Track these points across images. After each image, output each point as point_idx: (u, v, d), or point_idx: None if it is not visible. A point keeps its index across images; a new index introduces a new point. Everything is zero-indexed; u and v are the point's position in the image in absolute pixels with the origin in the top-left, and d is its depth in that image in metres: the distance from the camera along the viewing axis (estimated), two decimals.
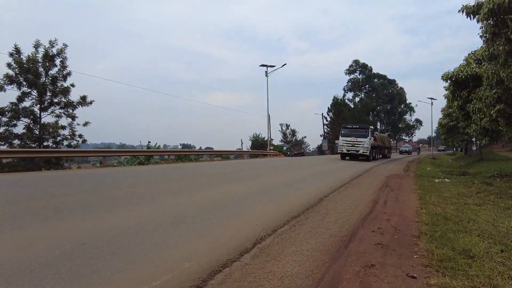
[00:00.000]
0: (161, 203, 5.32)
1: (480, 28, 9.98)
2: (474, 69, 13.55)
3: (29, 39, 17.46)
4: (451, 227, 4.13)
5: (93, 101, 19.99)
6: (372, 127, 24.81)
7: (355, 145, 21.66)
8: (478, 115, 12.87)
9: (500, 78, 10.72)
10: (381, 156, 27.55)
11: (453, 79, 14.17)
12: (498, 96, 10.87)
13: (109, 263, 2.73)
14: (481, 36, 10.12)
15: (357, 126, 23.53)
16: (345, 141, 22.07)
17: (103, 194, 6.10)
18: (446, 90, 25.59)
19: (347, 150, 21.96)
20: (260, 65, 26.92)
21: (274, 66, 26.94)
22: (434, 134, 51.69)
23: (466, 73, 13.66)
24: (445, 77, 14.52)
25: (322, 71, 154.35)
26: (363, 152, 21.38)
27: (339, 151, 23.25)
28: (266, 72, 26.98)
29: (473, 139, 29.01)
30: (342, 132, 22.80)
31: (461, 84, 14.23)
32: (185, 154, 28.76)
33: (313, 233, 3.88)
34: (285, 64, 27.14)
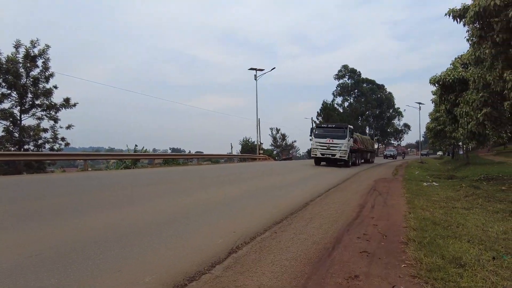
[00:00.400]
0: (132, 209, 4.98)
1: (466, 32, 9.99)
2: (460, 73, 13.62)
3: (25, 40, 16.76)
4: (440, 232, 3.91)
5: (77, 103, 19.43)
6: (351, 126, 20.89)
7: (331, 148, 18.55)
8: (465, 118, 12.90)
9: (487, 81, 10.74)
10: (363, 161, 24.91)
11: (440, 82, 14.22)
12: (485, 100, 10.88)
13: (57, 279, 2.40)
14: (467, 40, 10.12)
15: (334, 126, 20.20)
16: (319, 143, 18.94)
17: (68, 200, 5.73)
18: (433, 94, 25.86)
19: (321, 153, 18.86)
20: (249, 69, 26.83)
21: (263, 69, 26.95)
22: (422, 139, 52.22)
23: (453, 77, 13.73)
24: (433, 81, 14.56)
25: (313, 75, 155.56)
26: (340, 156, 18.33)
27: (312, 155, 19.82)
28: (255, 75, 26.84)
29: (460, 143, 29.35)
30: (316, 132, 19.62)
31: (448, 88, 14.29)
32: (173, 158, 28.24)
33: (295, 240, 3.61)
34: (274, 68, 27.18)
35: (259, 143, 27.82)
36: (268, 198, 6.53)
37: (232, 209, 5.25)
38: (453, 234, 3.87)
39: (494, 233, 4.14)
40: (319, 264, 2.89)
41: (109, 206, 5.10)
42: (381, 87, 73.10)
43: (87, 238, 3.37)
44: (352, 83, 69.95)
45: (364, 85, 70.42)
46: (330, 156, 18.65)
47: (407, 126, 75.88)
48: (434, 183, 10.32)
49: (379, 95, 71.68)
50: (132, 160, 26.25)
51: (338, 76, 70.87)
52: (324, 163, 19.83)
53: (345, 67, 70.14)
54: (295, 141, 58.27)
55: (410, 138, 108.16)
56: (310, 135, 19.87)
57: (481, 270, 2.71)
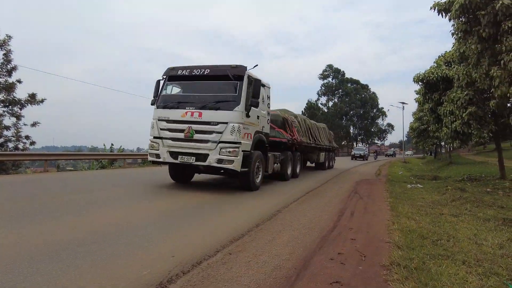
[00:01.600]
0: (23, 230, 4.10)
1: (452, 26, 9.53)
2: (444, 71, 13.24)
3: None
4: (430, 250, 3.25)
5: (44, 99, 18.13)
6: (253, 75, 7.52)
7: (194, 138, 6.92)
8: (449, 118, 12.52)
9: (472, 79, 10.34)
10: (314, 164, 15.94)
11: (424, 81, 13.82)
12: (470, 98, 10.49)
13: None
14: (452, 34, 9.67)
15: (204, 71, 7.33)
16: (167, 122, 7.20)
17: None
18: (417, 94, 25.73)
19: (169, 151, 7.07)
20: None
21: (246, 67, 25.88)
22: (405, 139, 52.65)
23: (436, 75, 13.34)
24: (416, 79, 14.15)
25: (298, 76, 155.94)
26: (220, 158, 6.65)
27: (149, 153, 7.43)
28: None
29: (443, 143, 29.44)
30: (164, 93, 7.66)
31: (432, 87, 13.91)
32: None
33: (251, 264, 2.86)
34: (257, 65, 25.91)
35: None
36: (233, 206, 5.73)
37: (183, 220, 4.44)
38: (445, 252, 3.21)
39: (490, 248, 3.52)
40: None
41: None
42: (365, 87, 73.56)
43: None
44: (337, 82, 70.08)
45: (349, 85, 70.68)
46: (188, 156, 6.99)
47: (390, 126, 76.76)
48: (418, 184, 9.82)
49: (363, 95, 72.10)
50: (109, 160, 24.89)
51: (323, 76, 70.88)
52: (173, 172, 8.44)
53: (329, 66, 70.21)
54: None
55: (394, 137, 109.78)
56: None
57: None
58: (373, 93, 74.31)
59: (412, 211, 5.41)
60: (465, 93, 10.50)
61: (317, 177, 12.03)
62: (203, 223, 4.32)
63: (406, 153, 58.00)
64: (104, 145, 27.73)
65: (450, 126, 12.57)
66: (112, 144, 27.66)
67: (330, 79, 70.82)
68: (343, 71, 70.33)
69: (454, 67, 12.65)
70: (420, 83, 14.19)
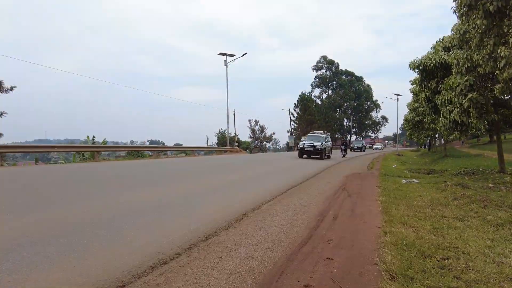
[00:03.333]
0: None
1: (453, 2, 8.51)
2: (442, 57, 12.25)
3: None
4: (436, 280, 2.26)
5: (14, 87, 16.87)
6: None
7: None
8: (447, 107, 11.58)
9: (473, 63, 9.36)
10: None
11: (421, 67, 12.84)
12: (470, 84, 9.51)
13: None
14: (454, 11, 8.65)
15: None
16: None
17: None
18: (412, 84, 24.78)
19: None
20: (219, 54, 24.51)
21: (234, 55, 24.71)
22: (399, 131, 51.95)
23: (434, 61, 12.36)
24: (412, 66, 13.15)
25: (293, 68, 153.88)
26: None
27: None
28: (225, 61, 24.68)
29: (437, 135, 28.66)
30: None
31: (429, 74, 12.95)
32: (137, 150, 26.08)
33: None
34: (246, 53, 24.99)
35: (229, 134, 25.82)
36: (189, 210, 4.65)
37: (107, 235, 3.38)
38: (458, 284, 2.22)
39: None
40: None
41: None
42: (360, 79, 72.55)
43: None
44: (331, 74, 68.92)
45: (343, 77, 69.61)
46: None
47: (384, 118, 76.06)
48: (414, 179, 8.88)
49: (357, 87, 71.11)
50: (91, 152, 23.83)
51: (317, 67, 69.63)
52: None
53: (323, 57, 68.96)
54: (274, 133, 56.55)
55: (388, 130, 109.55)
56: None
57: None
58: (368, 85, 73.37)
59: (408, 214, 4.43)
60: (466, 78, 9.52)
61: (308, 169, 11.05)
62: None
63: (375, 146, 53.02)
64: (87, 137, 26.63)
65: (448, 116, 11.64)
66: (94, 137, 26.59)
67: (324, 70, 69.63)
68: (337, 63, 69.18)
69: (453, 52, 11.67)
70: (416, 70, 13.20)
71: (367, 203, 5.42)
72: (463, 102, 9.42)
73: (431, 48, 13.90)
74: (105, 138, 27.14)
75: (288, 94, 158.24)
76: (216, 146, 34.00)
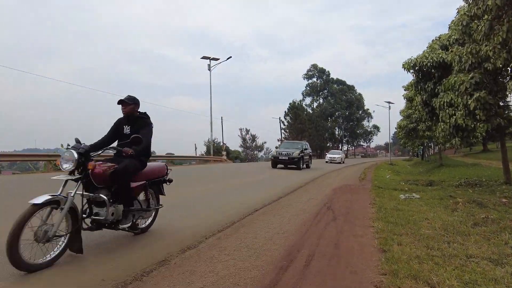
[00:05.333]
0: None
1: None
2: (440, 55, 10.98)
3: None
4: None
5: None
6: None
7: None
8: (447, 110, 10.28)
9: (478, 58, 8.10)
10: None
11: (416, 68, 11.56)
12: (477, 82, 8.21)
13: None
14: None
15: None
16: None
17: None
18: (405, 90, 23.63)
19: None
20: (202, 57, 23.14)
21: (218, 59, 23.33)
22: (391, 141, 50.95)
23: (431, 60, 11.09)
24: (407, 66, 11.87)
25: (285, 79, 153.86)
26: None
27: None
28: (208, 65, 23.27)
29: (431, 143, 27.52)
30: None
31: (425, 74, 11.69)
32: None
33: None
34: (230, 57, 23.66)
35: (214, 142, 24.12)
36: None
37: None
38: None
39: None
40: None
41: None
42: (351, 88, 71.97)
43: None
44: (322, 82, 68.15)
45: (335, 85, 68.92)
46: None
47: (376, 127, 75.40)
48: (414, 194, 7.42)
49: (349, 96, 70.43)
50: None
51: (308, 76, 68.87)
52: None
53: (314, 66, 68.25)
54: (265, 142, 55.10)
55: (379, 139, 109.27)
56: None
57: None
58: (359, 94, 72.82)
59: (419, 254, 2.94)
60: (471, 75, 8.22)
61: (291, 181, 9.53)
62: None
63: (328, 156, 46.56)
64: (61, 145, 24.83)
65: (448, 121, 10.32)
66: (68, 144, 24.82)
67: (315, 79, 68.87)
68: (328, 71, 68.52)
69: (451, 51, 10.45)
70: (411, 70, 11.91)
71: (358, 232, 3.91)
72: (469, 103, 8.08)
73: (427, 47, 12.67)
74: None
75: (281, 103, 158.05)
76: (204, 155, 32.29)
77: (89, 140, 3.20)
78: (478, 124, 8.75)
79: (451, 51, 9.96)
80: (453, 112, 10.02)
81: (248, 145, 77.55)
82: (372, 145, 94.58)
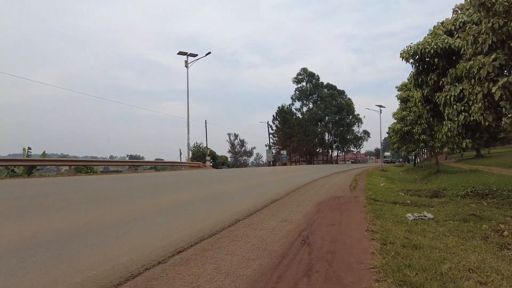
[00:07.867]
0: None
1: None
2: (446, 41, 9.15)
3: None
4: None
5: None
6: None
7: None
8: (454, 106, 8.46)
9: (502, 35, 6.30)
10: None
11: (417, 56, 9.73)
12: (501, 64, 6.38)
13: None
14: None
15: None
16: None
17: None
18: (398, 90, 21.76)
19: None
20: (178, 53, 21.03)
21: (197, 55, 21.26)
22: (382, 147, 49.47)
23: (435, 47, 9.26)
24: (406, 55, 10.03)
25: (275, 85, 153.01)
26: None
27: None
28: (186, 61, 21.18)
29: (425, 149, 25.89)
30: None
31: (428, 65, 9.90)
32: (84, 165, 22.06)
33: None
34: (209, 52, 21.65)
35: (188, 145, 21.92)
36: None
37: None
38: None
39: None
40: None
41: None
42: (341, 93, 70.69)
43: None
44: (311, 87, 66.65)
45: (325, 90, 67.55)
46: None
47: (366, 133, 74.14)
48: (424, 212, 5.43)
49: (339, 101, 69.07)
50: (25, 167, 20.11)
51: (297, 80, 67.30)
52: None
53: (304, 70, 66.75)
54: (254, 147, 53.11)
55: (370, 145, 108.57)
56: None
57: None
58: (349, 99, 71.52)
59: None
60: (493, 56, 6.36)
61: (268, 192, 7.47)
62: None
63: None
64: (23, 149, 22.39)
65: (456, 119, 8.48)
66: (29, 148, 22.58)
67: (304, 83, 67.34)
68: (318, 75, 67.05)
69: (460, 34, 8.67)
70: (411, 60, 10.06)
71: None
72: (494, 91, 6.19)
73: (428, 34, 10.85)
74: (44, 151, 23.00)
75: (272, 109, 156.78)
76: (186, 160, 29.96)
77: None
78: (504, 119, 6.87)
79: (462, 33, 8.16)
80: (462, 108, 8.21)
81: (236, 150, 75.32)
82: (362, 151, 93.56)
